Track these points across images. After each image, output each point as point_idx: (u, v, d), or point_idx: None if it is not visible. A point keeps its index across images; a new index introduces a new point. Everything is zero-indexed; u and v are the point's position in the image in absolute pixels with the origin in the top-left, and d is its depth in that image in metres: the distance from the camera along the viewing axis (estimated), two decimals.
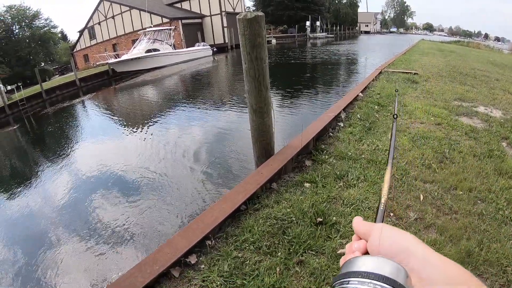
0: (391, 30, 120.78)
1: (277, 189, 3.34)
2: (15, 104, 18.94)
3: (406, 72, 9.98)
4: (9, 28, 40.24)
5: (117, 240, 4.42)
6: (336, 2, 79.60)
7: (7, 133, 14.58)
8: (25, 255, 4.52)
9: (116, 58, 27.46)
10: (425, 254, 0.44)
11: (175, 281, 2.26)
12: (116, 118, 12.95)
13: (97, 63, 31.13)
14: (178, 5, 41.61)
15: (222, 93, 15.18)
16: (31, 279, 4.01)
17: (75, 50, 48.44)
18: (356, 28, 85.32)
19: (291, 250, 2.45)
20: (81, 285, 3.75)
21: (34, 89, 23.53)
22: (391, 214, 2.84)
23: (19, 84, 30.71)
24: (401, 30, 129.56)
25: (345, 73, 18.31)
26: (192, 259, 2.42)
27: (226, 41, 38.97)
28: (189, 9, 40.63)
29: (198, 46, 33.48)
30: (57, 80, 31.85)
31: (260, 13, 3.30)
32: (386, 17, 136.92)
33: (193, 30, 37.30)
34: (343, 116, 5.60)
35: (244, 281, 2.19)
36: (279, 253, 2.42)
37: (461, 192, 3.20)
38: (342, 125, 5.22)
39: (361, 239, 0.53)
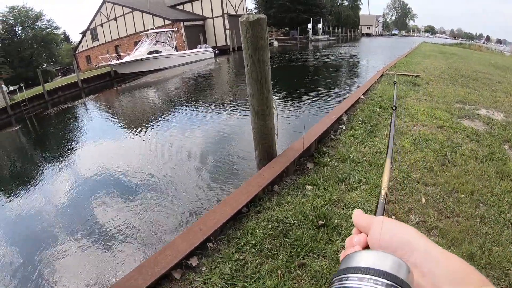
0: (393, 32, 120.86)
1: (279, 192, 3.34)
2: (17, 104, 18.99)
3: (408, 75, 9.98)
4: (12, 29, 40.43)
5: (118, 242, 4.42)
6: (338, 4, 79.77)
7: (9, 133, 14.61)
8: (25, 256, 4.52)
9: (118, 59, 27.50)
10: (428, 248, 0.43)
11: (176, 283, 2.26)
12: (118, 119, 12.96)
13: (99, 65, 31.17)
14: (180, 7, 41.70)
15: (224, 96, 15.19)
16: (31, 280, 4.01)
17: (77, 52, 48.61)
18: (358, 30, 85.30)
19: (292, 253, 2.44)
20: (80, 287, 3.75)
21: (36, 90, 23.58)
22: (393, 217, 2.84)
23: (21, 84, 30.72)
24: (403, 32, 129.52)
25: (346, 76, 18.31)
26: (194, 261, 2.42)
27: (228, 43, 39.01)
28: (191, 11, 40.72)
29: (200, 48, 33.50)
30: (59, 81, 31.94)
31: (263, 16, 3.31)
32: (388, 20, 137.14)
33: (195, 32, 37.37)
34: (345, 119, 5.60)
35: (246, 284, 2.19)
36: (281, 256, 2.42)
37: (463, 195, 3.19)
38: (344, 127, 5.22)
39: (361, 232, 0.52)
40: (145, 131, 9.93)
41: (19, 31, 41.41)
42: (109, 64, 26.03)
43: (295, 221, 2.78)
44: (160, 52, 27.94)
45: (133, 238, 4.45)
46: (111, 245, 4.39)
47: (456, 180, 3.46)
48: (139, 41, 30.32)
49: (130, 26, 39.20)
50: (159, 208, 5.12)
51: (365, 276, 0.36)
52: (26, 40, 41.17)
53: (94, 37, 44.64)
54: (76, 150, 9.45)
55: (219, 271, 2.30)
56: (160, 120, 11.09)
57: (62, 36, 55.47)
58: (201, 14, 39.95)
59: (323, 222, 2.74)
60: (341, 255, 0.49)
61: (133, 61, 25.38)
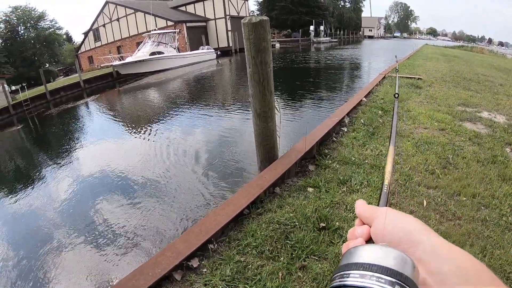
0: (395, 35, 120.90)
1: (280, 194, 3.34)
2: (19, 104, 19.04)
3: (410, 77, 9.98)
4: (15, 28, 40.60)
5: (118, 243, 4.42)
6: (340, 6, 79.77)
7: (11, 133, 14.64)
8: (25, 256, 4.52)
9: (120, 60, 27.56)
10: (434, 242, 0.40)
11: (177, 284, 2.26)
12: (120, 120, 12.98)
13: (101, 65, 31.29)
14: (183, 8, 41.78)
15: (226, 97, 15.20)
16: (31, 280, 4.01)
17: (79, 52, 48.73)
18: (360, 32, 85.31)
19: (293, 255, 2.44)
20: (82, 287, 3.75)
21: (39, 89, 23.64)
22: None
23: (24, 84, 30.90)
24: (405, 35, 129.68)
25: (348, 78, 18.31)
26: (194, 262, 2.42)
27: (230, 44, 39.06)
28: (193, 12, 40.78)
29: (202, 49, 33.54)
30: (62, 81, 32.01)
31: (265, 18, 3.31)
32: (390, 22, 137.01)
33: (198, 33, 37.42)
34: (346, 121, 5.60)
35: (246, 286, 2.18)
36: (282, 258, 2.42)
37: (464, 198, 3.18)
38: (345, 130, 5.22)
39: (364, 224, 0.50)
40: (147, 132, 9.93)
41: (22, 31, 41.62)
42: (111, 65, 26.07)
43: (297, 223, 2.78)
44: (163, 53, 27.99)
45: (134, 238, 4.45)
46: (111, 245, 4.39)
47: (458, 183, 3.46)
48: (141, 42, 30.38)
49: (133, 27, 39.29)
50: (160, 209, 5.12)
51: (367, 273, 0.34)
52: (28, 40, 41.34)
53: (97, 38, 44.76)
54: (77, 150, 9.46)
55: (220, 273, 2.30)
56: (162, 122, 11.10)
57: (64, 37, 55.65)
58: (203, 15, 40.02)
59: (324, 225, 2.74)
60: (343, 248, 0.48)
61: (135, 62, 25.43)
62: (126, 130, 11.10)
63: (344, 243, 0.49)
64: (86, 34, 46.48)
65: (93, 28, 44.54)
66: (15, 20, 40.50)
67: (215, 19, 39.33)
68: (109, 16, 41.53)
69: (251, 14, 46.08)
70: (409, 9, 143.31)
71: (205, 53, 32.76)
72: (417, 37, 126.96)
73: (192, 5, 40.72)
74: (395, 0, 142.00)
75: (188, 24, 36.49)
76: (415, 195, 3.24)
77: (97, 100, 19.07)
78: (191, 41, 35.96)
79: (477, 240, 2.60)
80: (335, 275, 0.37)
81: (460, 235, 2.63)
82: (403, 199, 3.17)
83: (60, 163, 8.36)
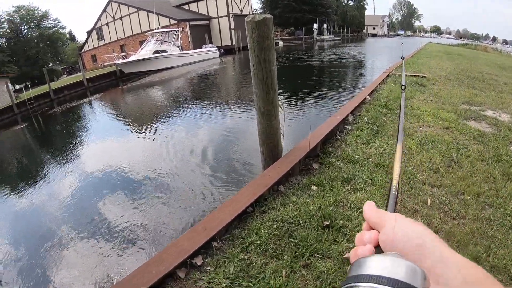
0: (399, 33, 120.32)
1: (284, 192, 3.34)
2: (23, 103, 19.14)
3: (414, 75, 9.94)
4: (18, 28, 40.79)
5: (122, 240, 4.43)
6: (344, 4, 79.61)
7: (15, 131, 14.71)
8: (29, 253, 4.55)
9: (123, 59, 27.65)
10: (444, 253, 0.40)
11: (180, 282, 2.26)
12: (123, 118, 13.01)
13: (104, 64, 31.31)
14: (186, 6, 41.79)
15: (229, 95, 15.20)
16: (34, 277, 4.04)
17: (83, 51, 48.84)
18: (363, 30, 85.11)
19: (297, 253, 2.44)
20: (86, 284, 3.77)
21: (42, 88, 23.73)
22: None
23: (27, 83, 31.04)
24: (409, 33, 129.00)
25: (352, 76, 18.27)
26: (198, 260, 2.42)
27: (234, 43, 39.04)
28: (196, 11, 40.79)
29: (205, 47, 33.57)
30: (65, 80, 32.11)
31: (268, 16, 3.31)
32: (394, 20, 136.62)
33: (201, 31, 37.43)
34: (350, 119, 5.58)
35: (250, 284, 2.18)
36: (286, 256, 2.42)
37: (468, 197, 3.17)
38: (349, 128, 5.21)
39: (372, 228, 0.50)
40: (150, 131, 9.95)
41: (25, 30, 41.81)
42: (115, 63, 26.14)
43: (300, 222, 2.77)
44: (166, 51, 28.02)
45: (138, 236, 4.47)
46: (115, 242, 4.40)
47: (462, 181, 3.44)
48: (144, 40, 30.46)
49: (136, 26, 39.33)
50: (164, 207, 5.13)
51: (377, 286, 0.34)
52: (32, 39, 41.51)
53: (100, 37, 44.85)
54: (81, 148, 9.50)
55: (223, 271, 2.30)
56: (166, 120, 11.11)
57: (68, 36, 55.82)
58: (206, 14, 40.02)
59: (328, 223, 2.73)
60: (351, 254, 0.48)
61: (139, 60, 25.47)
62: (129, 128, 11.13)
63: (352, 249, 0.49)
64: (89, 33, 46.57)
65: (96, 27, 44.62)
66: (18, 20, 40.69)
67: (218, 17, 39.32)
68: (112, 15, 41.60)
69: (254, 12, 46.03)
70: (413, 7, 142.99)
71: (208, 52, 32.78)
72: (421, 35, 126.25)
73: (195, 3, 40.73)
74: None
75: (191, 23, 36.49)
76: (419, 193, 3.23)
77: (101, 98, 19.13)
78: (194, 39, 35.98)
79: (481, 239, 2.59)
80: (344, 287, 0.36)
81: (464, 234, 2.62)
82: (407, 197, 3.16)
83: (63, 161, 8.39)
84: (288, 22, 60.29)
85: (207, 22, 39.71)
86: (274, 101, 3.66)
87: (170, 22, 35.88)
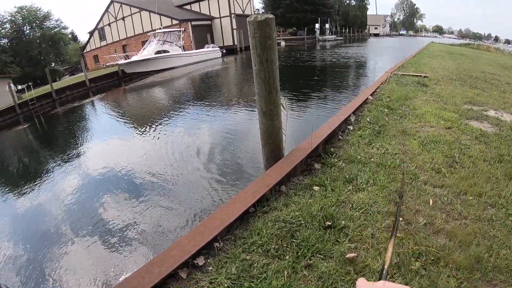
0: (401, 32, 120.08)
1: (286, 192, 3.34)
2: (25, 103, 19.21)
3: (416, 75, 9.92)
4: (20, 28, 40.92)
5: (124, 240, 4.44)
6: (346, 4, 79.54)
7: (17, 132, 14.75)
8: (30, 253, 4.56)
9: (125, 59, 27.67)
10: None
11: (182, 282, 2.27)
12: (125, 119, 13.04)
13: (107, 64, 31.40)
14: (188, 7, 41.85)
15: (231, 95, 15.20)
16: (36, 277, 4.05)
17: (85, 51, 48.96)
18: (366, 30, 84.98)
19: (299, 254, 2.44)
20: (87, 284, 3.77)
21: (44, 89, 23.81)
22: (400, 219, 2.82)
23: (30, 83, 31.12)
24: (411, 32, 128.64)
25: (354, 76, 18.26)
26: (200, 261, 2.42)
27: (236, 43, 39.07)
28: (198, 11, 40.84)
29: (207, 48, 33.61)
30: (67, 80, 32.19)
31: (271, 16, 3.30)
32: (396, 20, 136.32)
33: (203, 31, 37.48)
34: (352, 119, 5.57)
35: (252, 284, 2.19)
36: (287, 257, 2.42)
37: (471, 197, 3.16)
38: (351, 128, 5.20)
39: None
40: (152, 131, 9.97)
41: (27, 31, 42.00)
42: (117, 64, 26.20)
43: (302, 222, 2.77)
44: (168, 51, 28.07)
45: (140, 236, 4.47)
46: (117, 243, 4.41)
47: (464, 182, 3.44)
48: (146, 40, 30.49)
49: (138, 26, 39.42)
50: (166, 207, 5.14)
51: None
52: (34, 40, 41.65)
53: (102, 37, 44.95)
54: (83, 148, 9.51)
55: (225, 271, 2.30)
56: (168, 120, 11.13)
57: (70, 36, 55.95)
58: (208, 14, 40.06)
59: (330, 223, 2.73)
60: None
61: (141, 60, 25.52)
62: (131, 129, 11.15)
63: None
64: (91, 33, 46.69)
65: (98, 27, 44.74)
66: (21, 20, 40.83)
67: (220, 17, 39.37)
68: (114, 15, 41.69)
69: (256, 12, 46.05)
70: (415, 7, 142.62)
71: (211, 52, 32.83)
72: (423, 35, 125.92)
73: (197, 3, 40.79)
74: None
75: (193, 23, 36.54)
76: (421, 194, 3.22)
77: (103, 99, 19.17)
78: (196, 39, 36.02)
79: (483, 239, 2.58)
80: None
81: (466, 235, 2.61)
82: (409, 198, 3.15)
83: (65, 162, 8.41)
84: (290, 22, 60.33)
85: (209, 22, 39.76)
86: (276, 101, 3.66)
87: (172, 22, 35.94)
